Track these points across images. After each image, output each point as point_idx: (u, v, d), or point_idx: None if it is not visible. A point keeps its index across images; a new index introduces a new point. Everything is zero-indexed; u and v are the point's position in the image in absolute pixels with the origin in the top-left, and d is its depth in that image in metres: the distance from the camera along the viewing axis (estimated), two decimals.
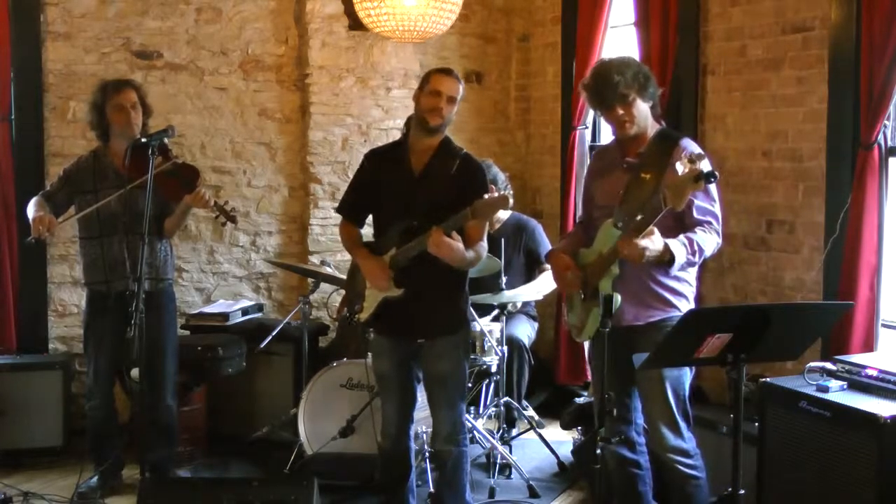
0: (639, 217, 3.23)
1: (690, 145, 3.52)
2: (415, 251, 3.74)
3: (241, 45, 5.92)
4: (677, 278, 3.55)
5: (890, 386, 3.54)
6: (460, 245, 3.68)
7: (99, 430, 4.66)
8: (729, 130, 4.84)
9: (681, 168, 3.10)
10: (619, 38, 5.79)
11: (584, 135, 5.87)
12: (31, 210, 4.50)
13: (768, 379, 3.86)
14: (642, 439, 3.77)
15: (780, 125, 4.58)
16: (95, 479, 4.60)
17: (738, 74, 4.79)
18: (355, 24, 5.78)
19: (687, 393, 3.60)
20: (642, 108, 3.56)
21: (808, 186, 4.47)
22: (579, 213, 3.99)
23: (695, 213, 3.44)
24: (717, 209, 3.51)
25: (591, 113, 5.83)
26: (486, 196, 3.60)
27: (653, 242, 3.25)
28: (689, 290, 3.64)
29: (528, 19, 6.48)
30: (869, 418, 3.37)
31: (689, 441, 3.58)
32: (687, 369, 3.60)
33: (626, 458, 3.74)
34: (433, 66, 6.24)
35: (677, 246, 3.32)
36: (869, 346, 4.09)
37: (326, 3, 5.91)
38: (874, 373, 3.63)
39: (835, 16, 4.26)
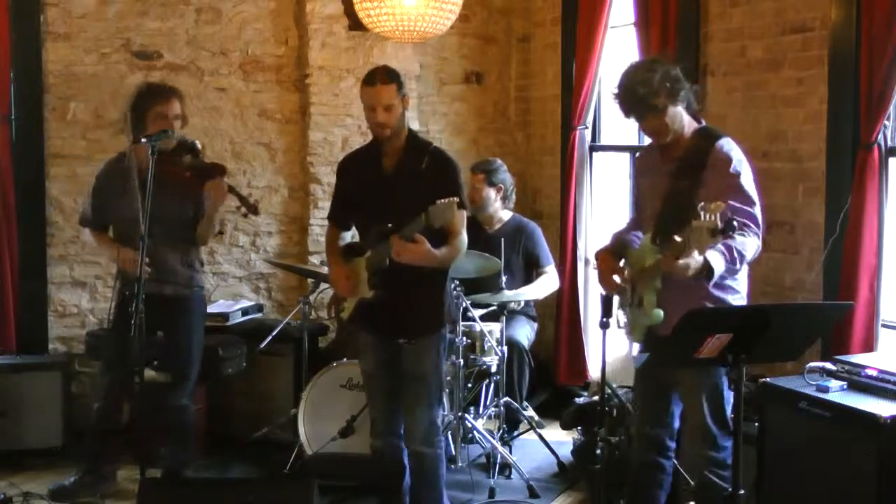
0: (678, 239, 3.15)
1: (727, 145, 3.49)
2: (384, 258, 3.74)
3: (241, 45, 5.91)
4: (722, 286, 3.48)
5: (890, 386, 3.53)
6: (425, 246, 3.63)
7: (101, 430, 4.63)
8: (729, 131, 4.77)
9: (702, 214, 3.01)
10: (619, 38, 5.79)
11: (584, 135, 5.87)
12: (98, 245, 4.57)
13: (768, 379, 3.85)
14: (673, 444, 3.73)
15: (780, 126, 4.58)
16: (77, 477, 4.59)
17: (738, 75, 4.78)
18: (355, 24, 5.77)
19: (727, 403, 3.50)
20: (676, 113, 3.50)
21: (808, 187, 4.46)
22: (630, 211, 3.92)
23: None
24: (756, 211, 3.42)
25: (592, 113, 5.83)
26: (438, 202, 3.54)
27: (694, 259, 3.19)
28: (739, 298, 3.57)
29: (528, 20, 6.48)
30: (869, 418, 3.36)
31: (723, 451, 3.50)
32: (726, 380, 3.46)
33: (653, 460, 3.71)
34: (433, 66, 6.28)
35: (716, 257, 3.25)
36: (869, 346, 4.08)
37: (326, 4, 5.90)
38: (874, 373, 3.62)
39: (835, 16, 4.25)
